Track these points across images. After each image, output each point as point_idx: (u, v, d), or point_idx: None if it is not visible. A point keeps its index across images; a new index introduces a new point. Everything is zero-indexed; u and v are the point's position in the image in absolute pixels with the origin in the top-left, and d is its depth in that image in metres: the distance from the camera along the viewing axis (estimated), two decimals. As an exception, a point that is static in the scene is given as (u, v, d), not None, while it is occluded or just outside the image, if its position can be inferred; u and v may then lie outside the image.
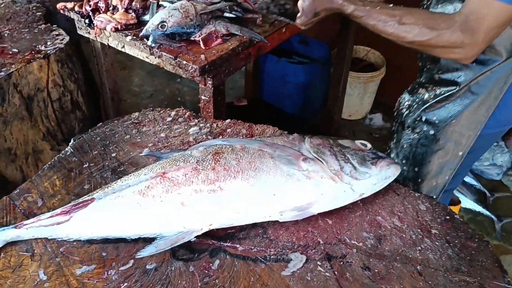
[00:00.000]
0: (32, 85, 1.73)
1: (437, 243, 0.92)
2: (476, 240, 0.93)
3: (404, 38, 1.14)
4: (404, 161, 1.47)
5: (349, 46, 2.64)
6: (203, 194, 0.88)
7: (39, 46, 1.78)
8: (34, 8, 2.09)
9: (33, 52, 1.74)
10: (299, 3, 1.31)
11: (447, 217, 0.98)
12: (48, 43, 1.81)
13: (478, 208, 2.65)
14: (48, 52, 1.75)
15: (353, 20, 1.24)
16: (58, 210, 0.90)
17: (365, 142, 1.02)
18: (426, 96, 1.36)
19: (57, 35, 1.86)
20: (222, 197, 0.88)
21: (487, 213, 2.63)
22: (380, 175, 0.96)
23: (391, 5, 1.20)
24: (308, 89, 2.94)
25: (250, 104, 3.10)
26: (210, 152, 0.94)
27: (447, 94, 1.30)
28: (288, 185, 0.90)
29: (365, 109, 3.24)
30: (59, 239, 0.89)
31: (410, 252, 0.90)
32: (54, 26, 1.93)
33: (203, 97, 1.69)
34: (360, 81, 3.01)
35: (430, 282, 0.84)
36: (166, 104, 3.45)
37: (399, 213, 0.98)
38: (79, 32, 1.92)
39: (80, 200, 0.91)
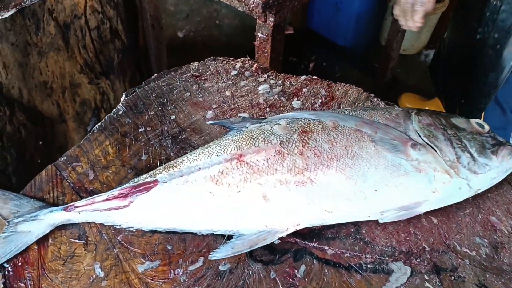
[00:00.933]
0: (69, 11, 1.53)
1: None
2: None
3: None
4: None
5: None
6: (289, 186, 0.72)
7: (75, -36, 1.56)
8: None
9: (68, -28, 1.53)
10: None
11: None
12: (85, -39, 1.58)
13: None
14: (86, -28, 1.53)
15: None
16: (116, 192, 0.75)
17: (482, 122, 0.83)
18: None
19: (94, -49, 1.62)
20: (313, 191, 0.72)
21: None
22: (501, 168, 0.78)
23: None
24: (363, 20, 2.66)
25: (296, 33, 2.84)
26: (296, 130, 0.77)
27: None
28: (393, 179, 0.73)
29: (421, 44, 2.95)
30: (117, 227, 0.75)
31: (535, 268, 0.74)
32: None
33: (259, 35, 1.48)
34: (421, 13, 2.70)
35: (562, 311, 0.69)
36: (203, 26, 3.20)
37: (518, 214, 0.81)
38: None
39: (141, 181, 0.76)
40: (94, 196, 0.76)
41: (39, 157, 1.69)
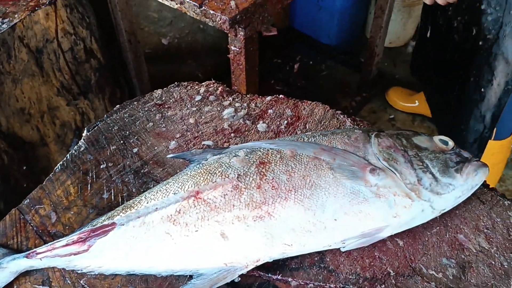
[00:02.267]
0: (40, 36, 1.52)
1: (536, 276, 0.75)
2: None
3: None
4: None
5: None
6: (247, 221, 0.71)
7: (43, -11, 1.54)
8: None
9: (36, -3, 1.51)
10: None
11: (547, 236, 0.79)
12: (53, -16, 1.56)
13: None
14: (54, -4, 1.52)
15: None
16: (75, 237, 0.75)
17: (446, 139, 0.81)
18: None
19: (62, -27, 1.61)
20: (271, 225, 0.71)
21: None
22: (466, 186, 0.77)
23: None
24: (345, 16, 2.64)
25: (280, 34, 2.82)
26: (254, 162, 0.76)
27: None
28: (352, 206, 0.72)
29: (407, 36, 2.93)
30: (78, 271, 0.74)
31: (502, 287, 0.73)
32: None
33: (233, 48, 1.46)
34: (405, 4, 2.68)
35: (530, 331, 0.68)
36: (187, 32, 3.19)
37: (485, 230, 0.80)
38: (88, -33, 1.66)
39: (99, 224, 0.75)
40: (54, 241, 0.76)
41: (24, 181, 1.69)
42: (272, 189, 0.72)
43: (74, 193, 0.85)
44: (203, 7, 1.31)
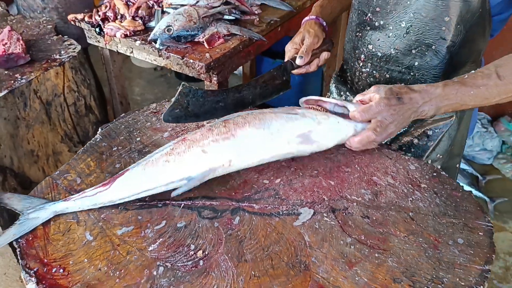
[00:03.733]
0: (50, 91, 1.87)
1: (426, 194, 1.06)
2: (461, 190, 1.08)
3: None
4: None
5: (339, 45, 2.80)
6: (219, 141, 1.03)
7: (54, 55, 1.93)
8: (44, 21, 2.24)
9: (49, 61, 1.89)
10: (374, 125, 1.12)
11: (434, 174, 1.12)
12: (62, 52, 1.95)
13: (471, 190, 2.78)
14: (63, 60, 1.90)
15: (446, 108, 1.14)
16: (100, 184, 1.04)
17: None
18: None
19: (69, 44, 2.01)
20: (235, 141, 1.04)
21: (480, 194, 2.77)
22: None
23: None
24: (303, 87, 3.10)
25: (249, 105, 3.24)
26: (220, 121, 1.09)
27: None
28: (288, 123, 1.08)
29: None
30: (102, 205, 1.02)
31: (403, 203, 1.04)
32: (65, 37, 2.08)
33: (208, 94, 1.83)
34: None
35: (421, 225, 0.99)
36: (168, 110, 3.58)
37: (392, 173, 1.12)
38: (89, 41, 2.07)
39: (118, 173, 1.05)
40: (84, 190, 1.05)
41: (27, 219, 1.92)
42: (233, 125, 1.06)
43: (94, 165, 1.15)
44: (185, 58, 1.71)
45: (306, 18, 1.44)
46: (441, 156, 1.42)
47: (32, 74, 1.80)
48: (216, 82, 1.77)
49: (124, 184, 1.02)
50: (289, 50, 1.35)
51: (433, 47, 1.25)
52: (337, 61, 2.78)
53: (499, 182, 2.91)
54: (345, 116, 1.13)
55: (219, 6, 1.89)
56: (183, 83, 1.21)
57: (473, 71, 1.12)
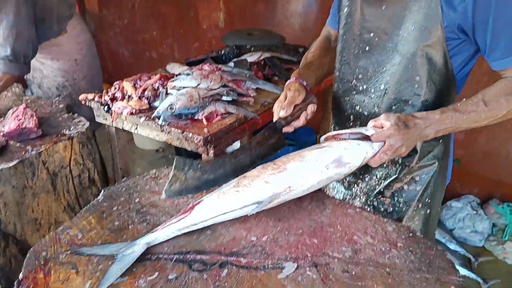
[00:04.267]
0: (57, 162, 1.99)
1: (402, 252, 1.14)
2: (434, 249, 1.15)
3: (497, 115, 1.27)
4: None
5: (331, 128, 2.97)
6: (275, 174, 1.23)
7: (64, 130, 2.08)
8: (56, 101, 2.42)
9: (59, 135, 2.04)
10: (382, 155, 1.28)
11: (410, 234, 1.21)
12: (71, 128, 2.11)
13: (464, 271, 2.80)
14: (72, 135, 2.05)
15: (444, 131, 1.31)
16: (181, 212, 1.21)
17: None
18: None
19: (78, 121, 2.17)
20: (288, 172, 1.23)
21: (473, 276, 2.79)
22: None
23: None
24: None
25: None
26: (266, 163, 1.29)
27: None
28: (322, 153, 1.25)
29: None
30: (185, 230, 1.17)
31: (380, 259, 1.12)
32: (75, 114, 2.25)
33: (205, 167, 1.96)
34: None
35: (397, 279, 1.06)
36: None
37: (371, 233, 1.21)
38: (97, 119, 2.24)
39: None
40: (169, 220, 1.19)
41: (23, 287, 1.95)
42: (281, 162, 1.26)
43: (95, 222, 1.24)
44: (184, 133, 1.85)
45: (288, 81, 1.58)
46: (429, 200, 1.56)
47: (42, 146, 1.94)
48: (212, 155, 1.90)
49: (204, 209, 1.19)
50: (275, 109, 1.47)
51: (410, 102, 1.43)
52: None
53: (492, 264, 2.93)
54: (361, 139, 1.26)
55: (218, 88, 2.07)
56: (176, 156, 1.34)
57: (464, 100, 1.30)
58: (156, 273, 1.07)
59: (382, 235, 1.21)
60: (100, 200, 1.32)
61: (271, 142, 1.46)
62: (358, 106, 1.57)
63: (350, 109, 1.61)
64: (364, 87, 1.52)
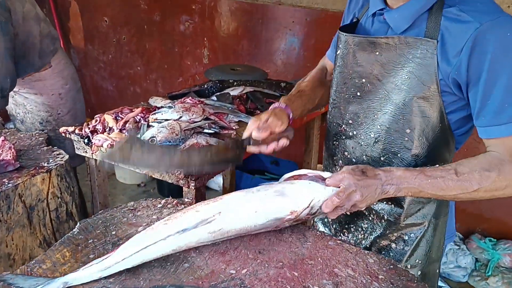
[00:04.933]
0: (34, 195, 1.95)
1: (383, 285, 1.12)
2: (415, 281, 1.14)
3: (466, 189, 1.19)
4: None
5: (313, 162, 2.99)
6: (209, 203, 1.22)
7: (42, 163, 2.05)
8: (36, 134, 2.39)
9: (37, 168, 2.00)
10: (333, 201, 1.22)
11: (391, 266, 1.19)
12: (50, 160, 2.07)
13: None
14: (50, 167, 2.01)
15: (409, 195, 1.27)
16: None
17: None
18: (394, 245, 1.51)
19: (57, 154, 2.13)
20: (223, 201, 1.23)
21: (459, 312, 2.76)
22: None
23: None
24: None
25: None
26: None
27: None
28: (267, 186, 1.26)
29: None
30: (110, 271, 1.11)
31: (361, 292, 1.10)
32: (54, 147, 2.21)
33: (186, 199, 1.93)
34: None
35: (378, 312, 1.03)
36: (149, 225, 3.61)
37: (352, 266, 1.19)
38: (77, 151, 2.21)
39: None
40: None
41: (-7, 326, 1.87)
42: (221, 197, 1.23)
43: (69, 256, 1.20)
44: (165, 166, 1.83)
45: (275, 104, 1.51)
46: (420, 261, 1.49)
47: (20, 179, 1.90)
48: (193, 188, 1.88)
49: (128, 246, 1.13)
50: (251, 124, 1.41)
51: (399, 155, 1.38)
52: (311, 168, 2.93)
53: (476, 299, 2.91)
54: (316, 181, 1.24)
55: (200, 121, 2.08)
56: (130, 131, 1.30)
57: (437, 165, 1.25)
58: (132, 308, 1.03)
59: (363, 267, 1.19)
60: (75, 233, 1.29)
61: (229, 155, 1.42)
62: (347, 152, 1.51)
63: (339, 153, 1.55)
64: (354, 133, 1.47)
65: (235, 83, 2.69)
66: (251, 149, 1.43)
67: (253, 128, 1.40)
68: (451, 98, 1.29)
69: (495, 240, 3.13)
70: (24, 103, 2.59)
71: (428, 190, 1.21)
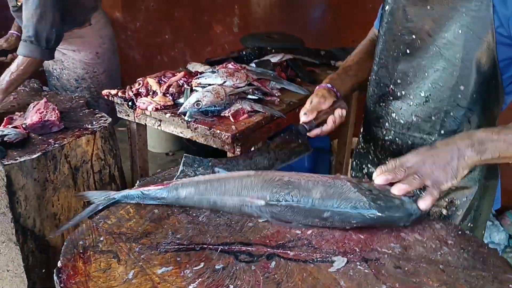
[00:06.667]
0: (79, 157, 1.96)
1: (453, 250, 1.10)
2: (486, 247, 1.12)
3: None
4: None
5: (349, 135, 2.95)
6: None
7: (86, 125, 2.05)
8: (76, 97, 2.39)
9: (81, 129, 2.00)
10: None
11: (459, 232, 1.17)
12: (94, 123, 2.07)
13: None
14: (94, 129, 2.01)
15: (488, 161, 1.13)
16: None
17: None
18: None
19: (100, 116, 2.14)
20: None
21: None
22: None
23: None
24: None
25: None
26: None
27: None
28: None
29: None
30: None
31: (432, 256, 1.08)
32: (96, 110, 2.21)
33: (230, 165, 1.92)
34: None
35: (452, 276, 1.02)
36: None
37: (418, 231, 1.17)
38: (119, 115, 2.21)
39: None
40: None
41: (40, 284, 1.91)
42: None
43: (133, 212, 1.20)
44: (212, 129, 1.82)
45: (318, 86, 1.51)
46: (471, 225, 1.48)
47: (65, 140, 1.91)
48: (238, 153, 1.86)
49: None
50: (301, 114, 1.41)
51: (451, 113, 1.35)
52: (347, 144, 2.90)
53: (510, 275, 2.88)
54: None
55: (243, 86, 2.05)
56: (185, 154, 1.29)
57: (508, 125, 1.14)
58: (202, 263, 1.03)
59: (431, 232, 1.17)
60: (136, 190, 1.28)
61: (292, 146, 1.40)
62: (394, 114, 1.47)
63: (385, 116, 1.51)
64: (403, 93, 1.43)
65: (273, 50, 2.65)
66: (314, 132, 1.42)
67: (301, 115, 1.41)
68: (506, 52, 1.25)
69: (530, 216, 3.09)
70: (62, 59, 2.58)
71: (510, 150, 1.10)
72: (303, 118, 1.39)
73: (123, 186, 2.25)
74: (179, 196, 1.16)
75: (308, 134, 1.41)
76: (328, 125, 1.43)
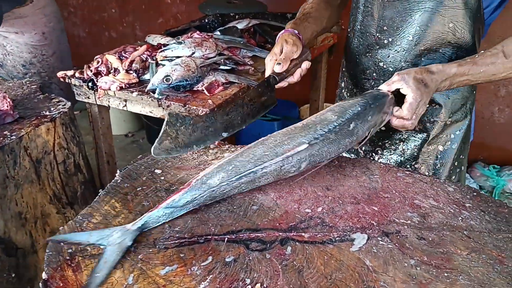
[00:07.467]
0: (40, 148, 1.76)
1: (474, 213, 1.04)
2: (506, 207, 1.06)
3: None
4: None
5: (321, 100, 2.86)
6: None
7: (43, 112, 1.85)
8: (27, 82, 2.16)
9: (39, 117, 1.80)
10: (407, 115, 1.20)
11: (475, 193, 1.11)
12: (52, 109, 1.87)
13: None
14: (54, 116, 1.81)
15: (458, 84, 1.24)
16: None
17: None
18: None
19: (58, 101, 1.93)
20: None
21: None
22: None
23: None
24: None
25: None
26: None
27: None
28: None
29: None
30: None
31: (454, 222, 1.01)
32: (52, 95, 2.00)
33: (208, 143, 1.79)
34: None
35: (479, 242, 0.95)
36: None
37: (432, 196, 1.10)
38: (78, 98, 2.01)
39: None
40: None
41: (10, 289, 1.74)
42: None
43: (120, 206, 1.05)
44: (187, 106, 1.67)
45: (281, 32, 1.42)
46: (464, 157, 1.51)
47: (22, 130, 1.70)
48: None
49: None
50: (269, 62, 1.33)
51: (440, 50, 1.35)
52: (319, 108, 2.82)
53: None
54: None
55: (214, 57, 1.90)
56: (168, 112, 1.18)
57: (482, 51, 1.23)
58: (210, 257, 0.91)
59: (445, 196, 1.10)
60: (119, 181, 1.14)
61: (263, 99, 1.31)
62: (382, 63, 1.44)
63: (372, 66, 1.48)
64: (390, 39, 1.40)
65: (236, 16, 2.49)
66: (280, 84, 1.33)
67: (273, 64, 1.31)
68: None
69: (499, 167, 3.15)
70: (4, 43, 2.31)
71: (480, 79, 1.22)
72: (277, 68, 1.29)
73: (90, 175, 2.07)
74: (210, 186, 1.02)
75: (276, 85, 1.33)
76: (294, 78, 1.35)
